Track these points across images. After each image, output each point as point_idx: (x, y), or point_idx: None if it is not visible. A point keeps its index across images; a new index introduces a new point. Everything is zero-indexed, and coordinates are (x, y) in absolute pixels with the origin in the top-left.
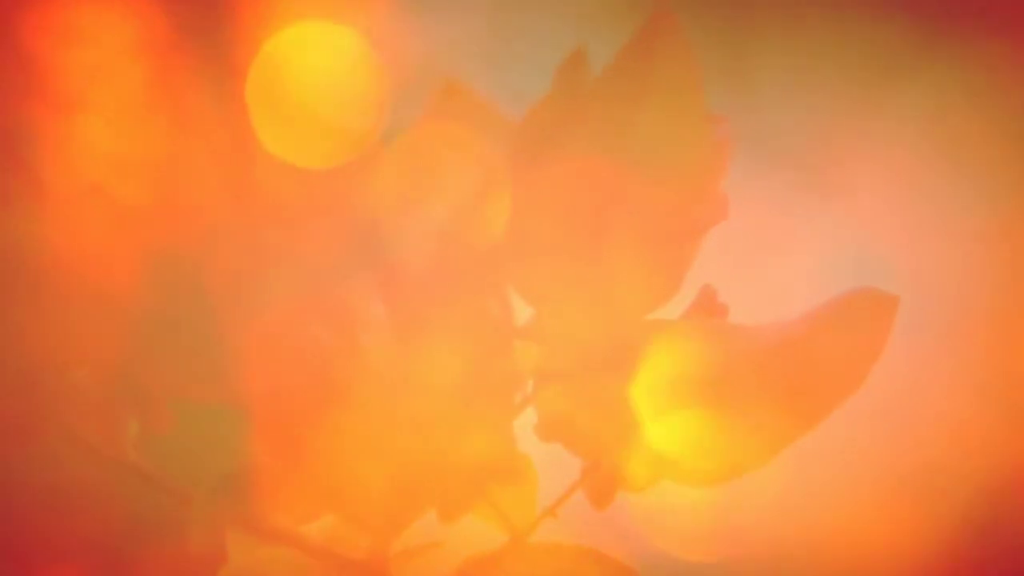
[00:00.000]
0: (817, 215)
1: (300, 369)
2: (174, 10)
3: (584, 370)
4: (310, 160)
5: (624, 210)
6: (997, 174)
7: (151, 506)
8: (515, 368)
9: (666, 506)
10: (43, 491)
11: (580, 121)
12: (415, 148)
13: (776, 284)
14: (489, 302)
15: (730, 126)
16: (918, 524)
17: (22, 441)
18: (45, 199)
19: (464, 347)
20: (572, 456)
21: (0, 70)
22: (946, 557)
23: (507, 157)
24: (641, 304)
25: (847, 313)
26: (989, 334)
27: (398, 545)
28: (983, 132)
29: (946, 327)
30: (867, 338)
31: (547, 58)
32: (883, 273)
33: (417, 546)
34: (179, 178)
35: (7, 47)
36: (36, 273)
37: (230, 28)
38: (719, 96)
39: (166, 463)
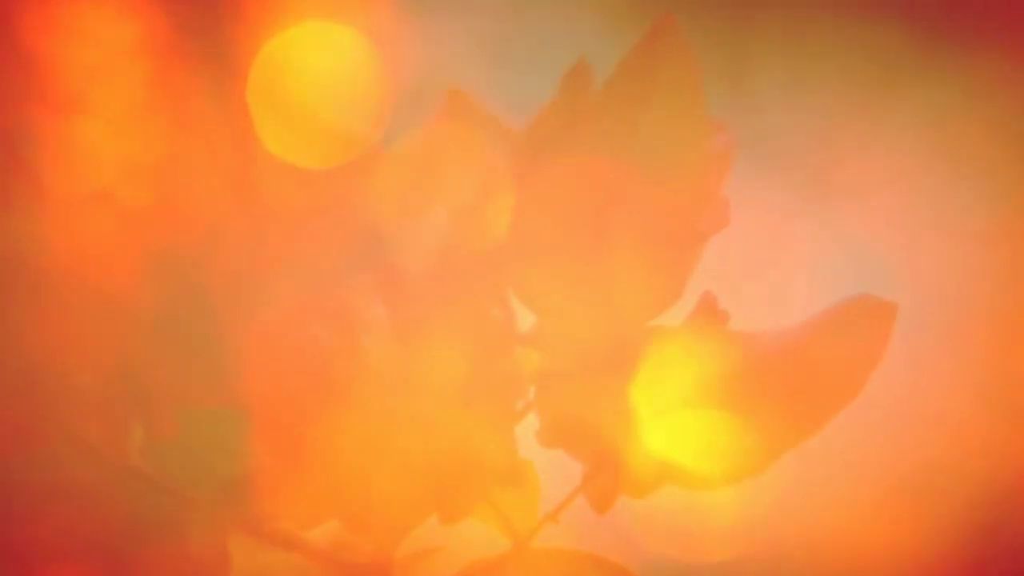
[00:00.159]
0: (818, 219)
1: (301, 371)
2: (175, 10)
3: (586, 376)
4: (311, 160)
5: (626, 217)
6: (996, 176)
7: (154, 508)
8: (517, 373)
9: (666, 508)
10: (46, 493)
11: (583, 128)
12: (418, 153)
13: (777, 289)
14: (491, 306)
15: (732, 132)
16: (918, 524)
17: (26, 444)
18: (47, 201)
19: (465, 351)
20: (573, 461)
21: (0, 70)
22: (946, 557)
23: (510, 163)
24: (643, 310)
25: (846, 320)
26: (989, 334)
27: (401, 550)
28: (982, 134)
29: (946, 327)
30: (866, 345)
31: (550, 64)
32: (883, 275)
33: (420, 550)
34: (180, 179)
35: (7, 47)
36: (39, 277)
37: (231, 28)
38: (721, 102)
39: (169, 467)
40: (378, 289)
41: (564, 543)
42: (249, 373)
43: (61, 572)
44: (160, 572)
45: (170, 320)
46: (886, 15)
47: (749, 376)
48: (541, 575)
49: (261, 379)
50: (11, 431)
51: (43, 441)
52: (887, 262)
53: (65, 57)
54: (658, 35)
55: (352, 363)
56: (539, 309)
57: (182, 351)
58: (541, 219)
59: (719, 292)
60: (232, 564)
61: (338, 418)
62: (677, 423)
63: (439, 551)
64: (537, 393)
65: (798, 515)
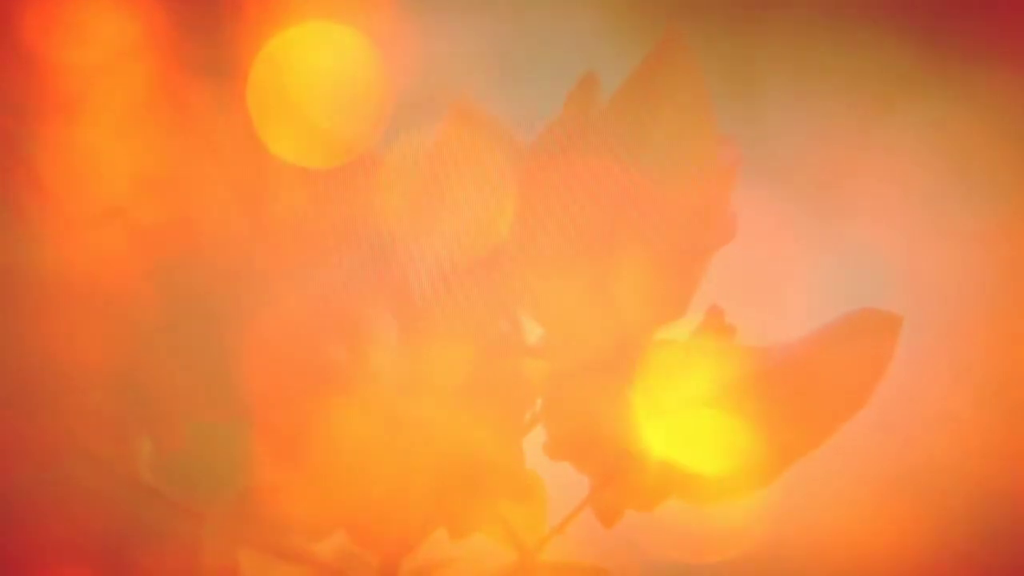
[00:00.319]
0: (825, 232)
1: (310, 384)
2: (175, 10)
3: (593, 388)
4: (312, 161)
5: (633, 230)
6: (998, 182)
7: (162, 522)
8: (524, 385)
9: (668, 510)
10: (55, 507)
11: (590, 141)
12: (426, 164)
13: (783, 302)
14: (498, 319)
15: (738, 145)
16: (918, 524)
17: (36, 458)
18: (54, 213)
19: (473, 363)
20: (580, 474)
21: (1, 70)
22: (946, 557)
23: (518, 177)
24: (650, 322)
25: (851, 333)
26: (989, 335)
27: (409, 563)
28: (986, 144)
29: (946, 328)
30: (872, 357)
31: (551, 65)
32: (886, 280)
33: (427, 564)
34: (185, 188)
35: (8, 48)
36: (48, 290)
37: (231, 28)
38: (728, 115)
39: (178, 481)
40: (386, 301)
41: (571, 556)
42: (257, 386)
43: None
44: None
45: (179, 334)
46: (890, 27)
47: (755, 389)
48: None
49: (269, 392)
50: (21, 444)
51: (53, 455)
52: (892, 271)
53: (65, 58)
54: (665, 49)
55: (360, 375)
56: (546, 321)
57: (191, 365)
58: (549, 231)
59: (726, 305)
60: None
61: (346, 430)
62: (684, 436)
63: (446, 565)
64: (544, 405)
65: (798, 515)
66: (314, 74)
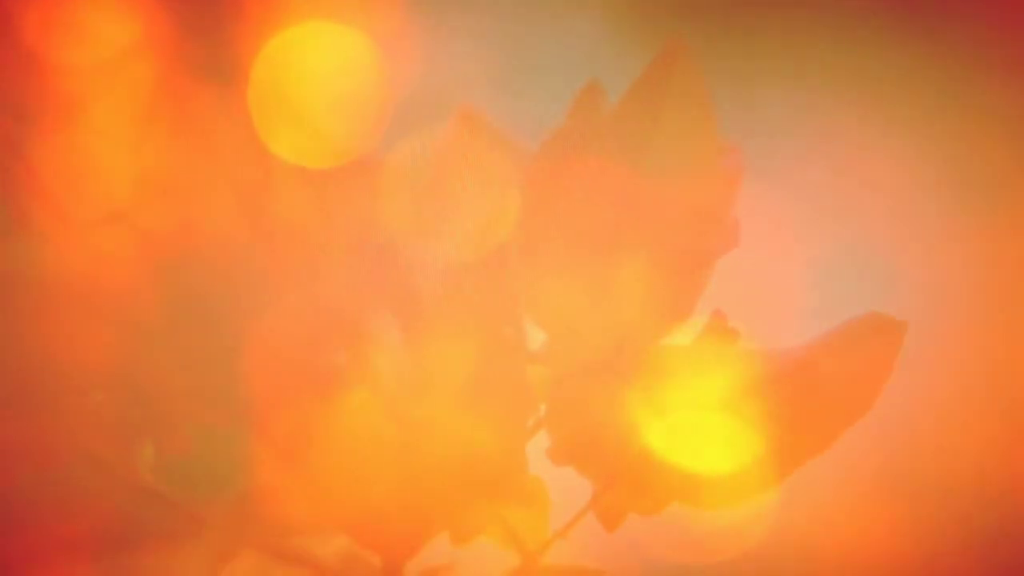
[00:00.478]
0: (827, 239)
1: (313, 389)
2: (177, 11)
3: (596, 393)
4: (313, 162)
5: (637, 236)
6: (999, 183)
7: (164, 524)
8: (527, 390)
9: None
10: (57, 509)
11: (594, 149)
12: (430, 170)
13: (786, 307)
14: (502, 324)
15: (741, 153)
16: (918, 526)
17: (39, 461)
18: (56, 218)
19: (477, 369)
20: (583, 478)
21: (1, 70)
22: (946, 558)
23: (522, 181)
24: (653, 328)
25: (856, 338)
26: (990, 334)
27: (411, 567)
28: (991, 148)
29: (947, 328)
30: (875, 363)
31: (553, 66)
32: (886, 280)
33: (429, 568)
34: (187, 190)
35: (8, 47)
36: (50, 294)
37: (234, 29)
38: (731, 123)
39: (180, 484)
40: (389, 304)
41: (574, 560)
42: (258, 388)
43: None
44: None
45: (180, 336)
46: (891, 27)
47: (759, 394)
48: None
49: (270, 394)
50: (21, 445)
51: (53, 456)
52: (893, 272)
53: (65, 59)
54: (668, 55)
55: (364, 381)
56: (550, 325)
57: (192, 367)
58: (552, 238)
59: (729, 309)
60: None
61: (346, 433)
62: (687, 440)
63: (449, 568)
64: (547, 409)
65: (798, 516)
66: (316, 76)
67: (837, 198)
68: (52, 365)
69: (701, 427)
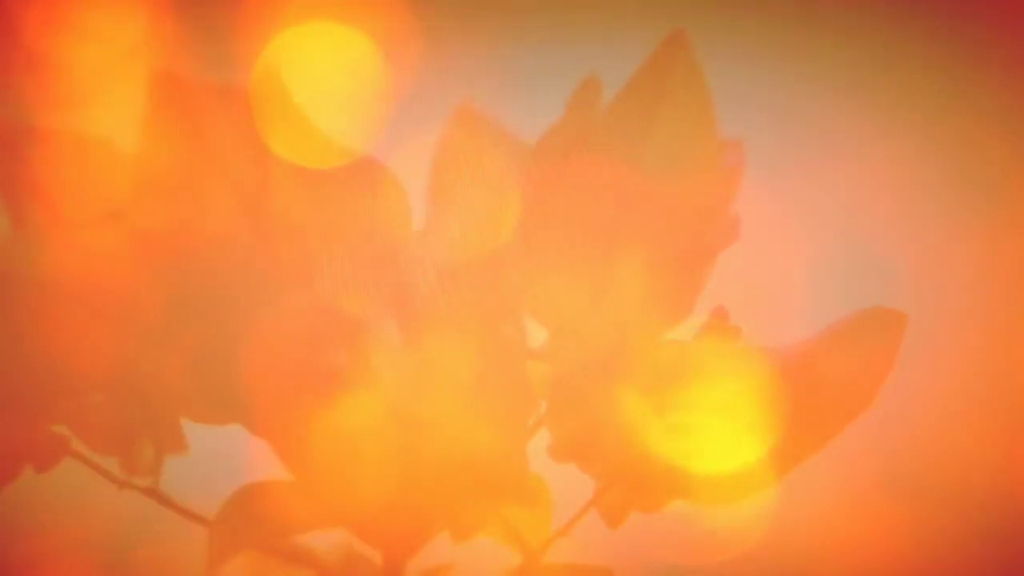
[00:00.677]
0: (828, 234)
1: (312, 388)
2: (177, 11)
3: (597, 390)
4: (313, 162)
5: (637, 232)
6: (1000, 182)
7: (161, 522)
8: (528, 388)
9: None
10: (55, 510)
11: (593, 144)
12: (429, 167)
13: (787, 303)
14: (502, 322)
15: (742, 148)
16: (919, 525)
17: (37, 461)
18: (56, 217)
19: (477, 366)
20: (585, 475)
21: (1, 70)
22: (947, 558)
23: (522, 179)
24: (654, 325)
25: (856, 332)
26: (991, 334)
27: (413, 566)
28: (988, 147)
29: (948, 328)
30: (876, 357)
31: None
32: (887, 277)
33: (431, 567)
34: (187, 190)
35: (9, 47)
36: (48, 293)
37: (234, 29)
38: (728, 116)
39: (179, 484)
40: (388, 302)
41: (576, 558)
42: (258, 388)
43: None
44: None
45: (179, 336)
46: (892, 27)
47: (760, 390)
48: None
49: (272, 396)
50: (21, 447)
51: (53, 457)
52: (894, 270)
53: (65, 58)
54: (667, 50)
55: (363, 381)
56: (550, 323)
57: (191, 367)
58: (552, 234)
59: (730, 306)
60: None
61: (346, 432)
62: (689, 437)
63: (450, 567)
64: (549, 408)
65: (798, 515)
66: (317, 75)
67: (838, 195)
68: (51, 365)
69: (702, 424)
